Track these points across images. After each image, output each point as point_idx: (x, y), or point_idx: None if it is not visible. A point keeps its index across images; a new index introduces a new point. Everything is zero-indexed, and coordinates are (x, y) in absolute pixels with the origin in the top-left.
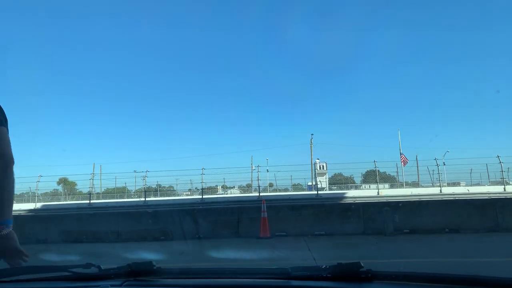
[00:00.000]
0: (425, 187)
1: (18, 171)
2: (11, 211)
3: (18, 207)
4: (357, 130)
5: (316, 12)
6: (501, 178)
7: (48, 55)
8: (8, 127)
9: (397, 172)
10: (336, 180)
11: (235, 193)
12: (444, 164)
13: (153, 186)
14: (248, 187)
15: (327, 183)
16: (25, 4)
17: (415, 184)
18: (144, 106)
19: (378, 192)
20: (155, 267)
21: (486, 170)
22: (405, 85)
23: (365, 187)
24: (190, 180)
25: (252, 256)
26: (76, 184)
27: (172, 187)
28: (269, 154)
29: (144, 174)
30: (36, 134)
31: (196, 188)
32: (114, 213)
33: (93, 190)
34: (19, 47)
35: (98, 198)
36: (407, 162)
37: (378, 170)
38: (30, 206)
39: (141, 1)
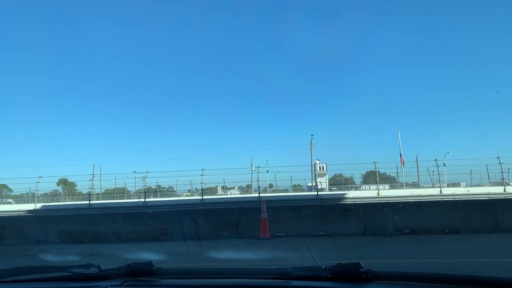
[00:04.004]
0: (425, 187)
1: (18, 171)
2: None
3: (18, 207)
4: (357, 131)
5: (317, 14)
6: (501, 179)
7: (48, 57)
8: (8, 128)
9: (397, 173)
10: (336, 181)
11: (235, 194)
12: (444, 165)
13: (153, 187)
14: (248, 188)
15: (327, 184)
16: (26, 7)
17: (415, 185)
18: (144, 107)
19: (378, 193)
20: (155, 268)
21: (486, 171)
22: (405, 86)
23: (365, 187)
24: (190, 180)
25: (252, 257)
26: (76, 184)
27: (172, 187)
28: (269, 155)
29: (143, 174)
30: (36, 135)
31: (196, 188)
32: (114, 213)
33: (92, 191)
34: (19, 49)
35: (98, 199)
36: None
37: (378, 171)
38: (30, 206)
39: (142, 4)
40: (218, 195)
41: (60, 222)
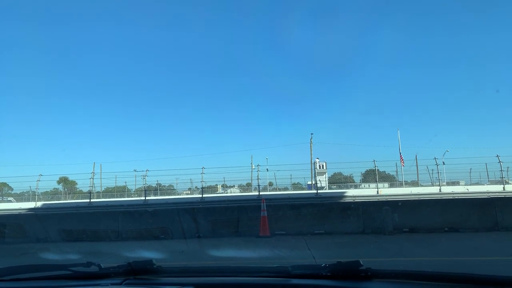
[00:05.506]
0: (424, 186)
1: (19, 170)
2: None
3: (19, 206)
4: (357, 130)
5: (317, 13)
6: (500, 178)
7: (48, 57)
8: (8, 127)
9: (396, 171)
10: (336, 179)
11: (235, 192)
12: (444, 164)
13: (153, 185)
14: (248, 186)
15: (327, 182)
16: (26, 7)
17: (415, 183)
18: (144, 106)
19: (377, 191)
20: (155, 266)
21: (486, 170)
22: (404, 85)
23: (364, 186)
24: (190, 179)
25: (252, 255)
26: (76, 183)
27: (172, 186)
28: (269, 154)
29: (144, 173)
30: (36, 134)
31: (196, 187)
32: (114, 212)
33: (93, 189)
34: (19, 49)
35: (98, 197)
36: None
37: (378, 170)
38: (31, 205)
39: (141, 3)
40: (218, 193)
41: (60, 220)
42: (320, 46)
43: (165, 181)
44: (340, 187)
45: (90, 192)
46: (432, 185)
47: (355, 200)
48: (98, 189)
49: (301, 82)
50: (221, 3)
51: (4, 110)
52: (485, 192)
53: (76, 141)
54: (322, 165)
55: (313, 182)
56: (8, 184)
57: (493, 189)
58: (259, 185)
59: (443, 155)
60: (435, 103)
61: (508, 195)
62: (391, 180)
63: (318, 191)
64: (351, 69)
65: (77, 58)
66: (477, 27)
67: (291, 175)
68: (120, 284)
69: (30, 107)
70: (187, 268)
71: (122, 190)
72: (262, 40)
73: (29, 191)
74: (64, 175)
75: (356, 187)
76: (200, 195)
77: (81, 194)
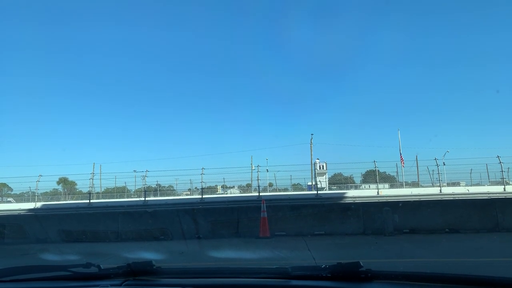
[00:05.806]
0: (425, 187)
1: (19, 170)
2: None
3: (18, 206)
4: (357, 130)
5: (317, 13)
6: (501, 178)
7: (48, 57)
8: (8, 128)
9: (397, 172)
10: (336, 180)
11: (235, 193)
12: (444, 164)
13: (153, 186)
14: (248, 187)
15: (327, 183)
16: (26, 7)
17: (415, 184)
18: (144, 107)
19: (378, 192)
20: (154, 267)
21: (486, 170)
22: (405, 85)
23: (365, 187)
24: (190, 179)
25: (252, 256)
26: (76, 183)
27: (172, 186)
28: (269, 154)
29: (144, 173)
30: (36, 134)
31: (196, 187)
32: (114, 212)
33: (93, 190)
34: (19, 49)
35: (98, 198)
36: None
37: (378, 170)
38: (30, 205)
39: (141, 3)
40: (218, 194)
41: (60, 221)
42: (320, 46)
43: (164, 181)
44: (340, 188)
45: (89, 193)
46: (433, 186)
47: (356, 201)
48: (97, 189)
49: (301, 82)
50: (221, 3)
51: (4, 110)
52: (486, 193)
53: (76, 141)
54: (322, 166)
55: (313, 183)
56: (7, 185)
57: (494, 190)
58: (259, 186)
59: (444, 155)
60: (435, 103)
61: (508, 196)
62: (392, 181)
63: (318, 192)
64: (351, 69)
65: (77, 58)
66: (477, 27)
67: (291, 175)
68: (120, 285)
69: (30, 107)
70: (186, 269)
71: (121, 191)
72: (262, 40)
73: (28, 192)
74: (63, 176)
75: (356, 187)
76: (200, 196)
77: (80, 194)
